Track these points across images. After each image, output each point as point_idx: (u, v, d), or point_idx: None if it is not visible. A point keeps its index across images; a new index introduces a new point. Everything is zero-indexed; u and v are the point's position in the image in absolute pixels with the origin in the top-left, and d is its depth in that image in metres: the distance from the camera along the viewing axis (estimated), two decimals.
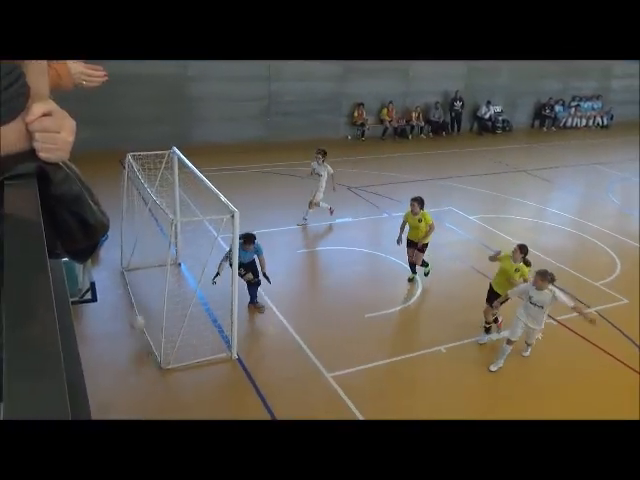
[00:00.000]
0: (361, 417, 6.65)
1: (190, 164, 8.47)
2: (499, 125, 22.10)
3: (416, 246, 9.72)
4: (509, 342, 7.62)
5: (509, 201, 14.57)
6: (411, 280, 10.02)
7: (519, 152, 19.67)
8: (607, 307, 9.40)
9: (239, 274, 8.09)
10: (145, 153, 9.32)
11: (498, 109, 22.22)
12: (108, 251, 9.65)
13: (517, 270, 8.00)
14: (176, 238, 9.46)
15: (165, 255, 7.74)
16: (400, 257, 10.53)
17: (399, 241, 9.88)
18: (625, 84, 25.02)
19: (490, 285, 8.33)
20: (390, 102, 19.87)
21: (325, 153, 11.93)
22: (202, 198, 9.50)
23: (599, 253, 11.71)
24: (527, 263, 8.12)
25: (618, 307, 9.54)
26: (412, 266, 9.97)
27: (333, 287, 9.69)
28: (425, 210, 9.69)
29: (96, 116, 15.93)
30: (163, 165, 9.25)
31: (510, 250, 8.21)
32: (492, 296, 8.18)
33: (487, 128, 22.04)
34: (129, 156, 9.10)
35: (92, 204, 1.42)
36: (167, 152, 9.25)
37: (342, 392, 7.07)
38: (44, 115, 1.24)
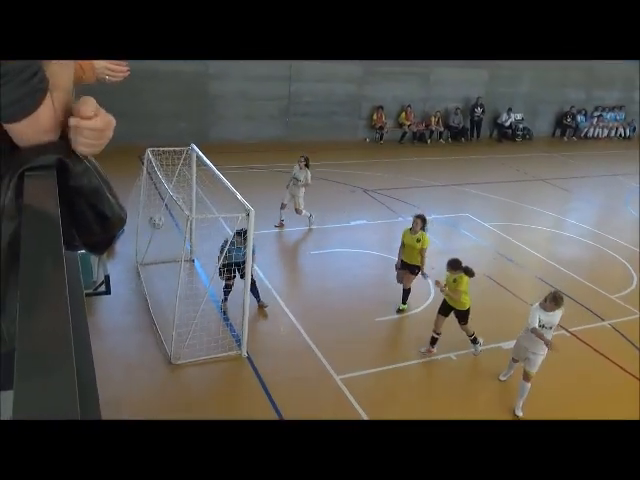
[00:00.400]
0: (367, 418, 6.63)
1: (208, 161, 8.51)
2: (519, 133, 21.94)
3: (409, 269, 8.82)
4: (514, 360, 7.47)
5: (526, 210, 14.46)
6: (401, 311, 9.01)
7: (539, 161, 19.51)
8: (622, 320, 9.29)
9: (228, 277, 8.02)
10: (164, 149, 9.39)
11: (519, 117, 22.07)
12: (124, 245, 9.73)
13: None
14: (191, 234, 9.52)
15: (179, 251, 7.78)
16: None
17: (398, 266, 8.94)
18: None
19: (444, 300, 7.90)
20: (409, 106, 19.83)
21: (307, 160, 11.52)
22: (219, 196, 9.54)
23: (616, 266, 11.57)
24: (469, 273, 7.86)
25: (633, 320, 9.42)
26: (404, 292, 9.00)
27: (345, 289, 9.67)
28: (425, 231, 8.89)
29: (116, 111, 16.06)
30: (181, 161, 9.31)
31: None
32: (444, 307, 7.99)
33: (507, 135, 21.89)
34: (148, 151, 9.17)
35: (110, 197, 1.43)
36: (186, 149, 9.31)
37: (350, 394, 7.06)
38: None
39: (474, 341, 8.13)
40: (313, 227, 11.92)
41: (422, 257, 8.73)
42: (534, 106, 22.58)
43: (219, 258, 7.88)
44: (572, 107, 22.85)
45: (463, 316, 7.98)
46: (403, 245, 8.87)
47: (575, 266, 11.29)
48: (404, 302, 9.06)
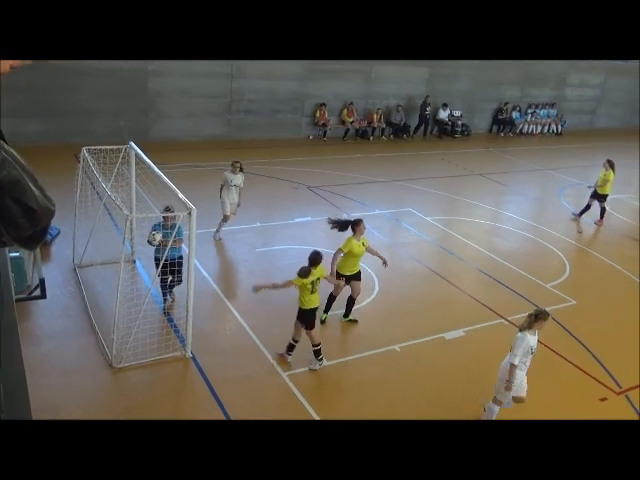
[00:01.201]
0: (316, 415, 6.62)
1: (148, 160, 8.28)
2: (458, 129, 22.44)
3: (357, 278, 8.39)
4: (497, 402, 6.52)
5: (466, 204, 14.80)
6: (324, 322, 8.53)
7: (477, 156, 20.01)
8: (556, 307, 9.64)
9: (165, 279, 7.84)
10: (101, 147, 9.08)
11: (457, 113, 22.57)
12: (60, 247, 9.37)
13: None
14: (131, 234, 9.25)
15: (119, 252, 7.55)
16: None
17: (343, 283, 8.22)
18: (578, 93, 25.79)
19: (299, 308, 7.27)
20: (351, 103, 19.96)
21: (241, 164, 11.01)
22: (159, 195, 9.32)
23: (550, 256, 12.00)
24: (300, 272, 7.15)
25: (566, 309, 9.80)
26: (348, 303, 8.51)
27: None
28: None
29: (52, 109, 15.49)
30: (120, 160, 9.03)
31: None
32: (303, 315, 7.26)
33: (446, 132, 22.35)
34: (84, 150, 8.85)
35: (34, 189, 1.37)
36: (124, 147, 9.04)
37: (297, 391, 7.03)
38: None
39: (317, 353, 7.38)
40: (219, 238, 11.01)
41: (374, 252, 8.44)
42: (472, 103, 23.14)
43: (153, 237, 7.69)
44: (507, 103, 23.55)
45: (302, 318, 7.24)
46: (349, 257, 8.14)
47: (512, 257, 11.64)
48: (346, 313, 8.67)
